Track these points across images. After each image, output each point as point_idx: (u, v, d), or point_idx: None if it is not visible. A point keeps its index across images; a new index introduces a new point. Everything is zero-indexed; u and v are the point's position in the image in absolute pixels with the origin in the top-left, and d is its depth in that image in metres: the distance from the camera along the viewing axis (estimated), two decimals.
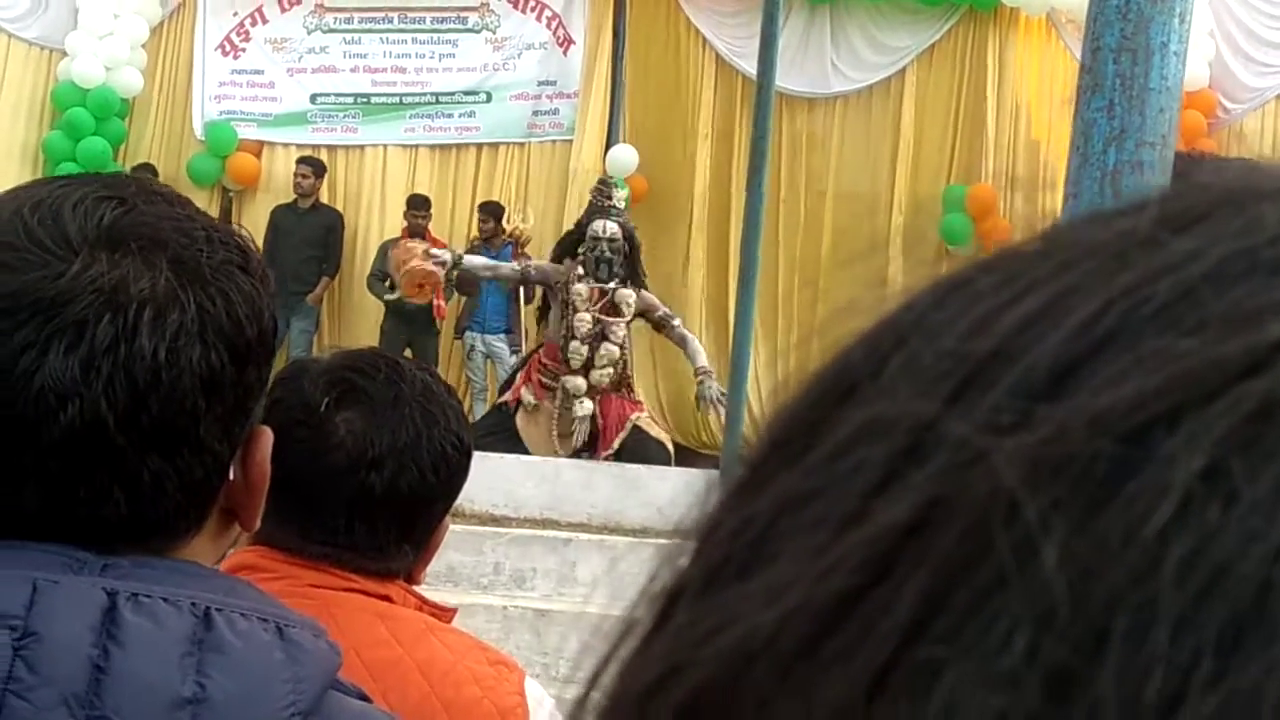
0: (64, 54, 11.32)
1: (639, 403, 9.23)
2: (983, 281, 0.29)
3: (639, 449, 8.92)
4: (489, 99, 11.48)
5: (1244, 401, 0.24)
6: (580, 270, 8.72)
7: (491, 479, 7.40)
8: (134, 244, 1.00)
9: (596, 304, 8.65)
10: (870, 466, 0.27)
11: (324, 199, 11.10)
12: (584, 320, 8.58)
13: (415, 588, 1.76)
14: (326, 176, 11.19)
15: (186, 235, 1.03)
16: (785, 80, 9.45)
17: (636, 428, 8.99)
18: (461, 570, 7.17)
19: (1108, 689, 0.23)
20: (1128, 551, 0.24)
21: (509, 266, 9.25)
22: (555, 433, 8.80)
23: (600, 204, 8.88)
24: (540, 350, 9.13)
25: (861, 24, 11.33)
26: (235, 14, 11.64)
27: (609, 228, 8.69)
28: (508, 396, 9.10)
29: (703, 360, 8.93)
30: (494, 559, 7.47)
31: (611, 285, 8.64)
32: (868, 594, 0.25)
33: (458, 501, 1.78)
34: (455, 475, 1.72)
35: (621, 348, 8.80)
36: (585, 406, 8.74)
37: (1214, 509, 0.24)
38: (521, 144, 11.53)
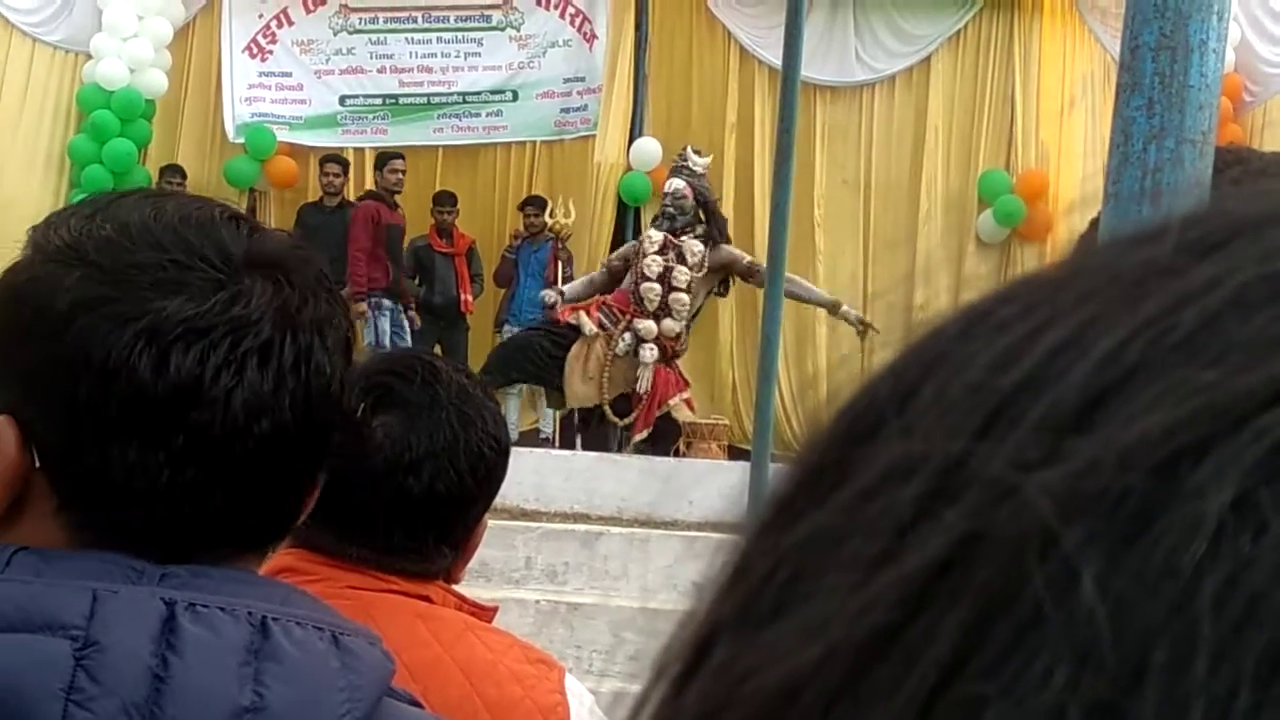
0: (88, 57, 11.33)
1: (685, 382, 9.28)
2: (1005, 312, 0.29)
3: (663, 439, 9.03)
4: (515, 98, 11.47)
5: (1269, 431, 0.25)
6: (654, 224, 9.23)
7: (522, 474, 7.41)
8: (288, 264, 1.07)
9: (665, 252, 8.98)
10: (901, 505, 0.27)
11: (350, 198, 11.13)
12: (654, 262, 8.91)
13: (454, 586, 1.77)
14: (356, 178, 11.23)
15: (305, 260, 1.10)
16: (809, 70, 9.42)
17: (670, 417, 9.06)
18: (494, 565, 7.18)
19: None
20: (1164, 585, 0.24)
21: (595, 277, 9.42)
22: (607, 375, 8.97)
23: (677, 165, 9.35)
24: (609, 295, 9.30)
25: (885, 12, 11.29)
26: (260, 15, 11.65)
27: (674, 184, 9.17)
28: (562, 312, 9.25)
29: (818, 292, 9.27)
30: (525, 554, 7.48)
31: (683, 238, 8.98)
32: (906, 630, 0.25)
33: None
34: (493, 476, 1.72)
35: (686, 304, 8.96)
36: (651, 353, 8.92)
37: (1245, 540, 0.24)
38: (551, 141, 11.54)
